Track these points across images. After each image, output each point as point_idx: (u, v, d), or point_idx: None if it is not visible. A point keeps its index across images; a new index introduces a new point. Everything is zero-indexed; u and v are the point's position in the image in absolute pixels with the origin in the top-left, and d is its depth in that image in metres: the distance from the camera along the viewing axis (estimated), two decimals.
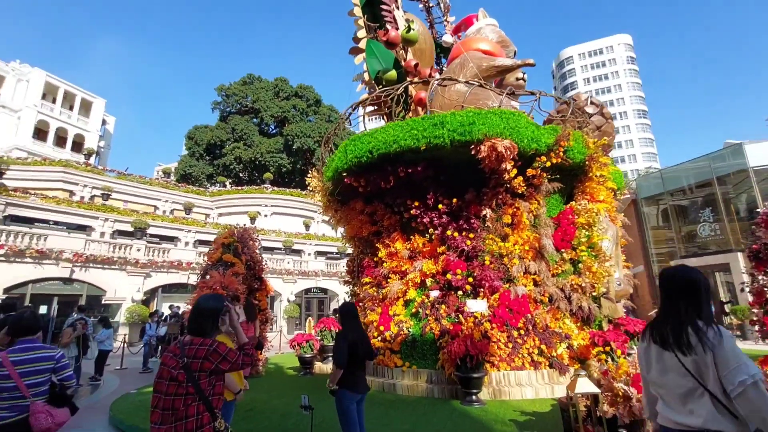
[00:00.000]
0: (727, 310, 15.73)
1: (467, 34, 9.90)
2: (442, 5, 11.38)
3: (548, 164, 6.93)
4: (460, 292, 7.13)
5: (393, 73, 8.00)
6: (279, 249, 33.38)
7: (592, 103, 8.78)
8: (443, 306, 7.12)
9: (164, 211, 32.79)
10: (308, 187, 8.88)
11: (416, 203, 7.31)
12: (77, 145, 41.75)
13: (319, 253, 35.18)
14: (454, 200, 7.17)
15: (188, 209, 32.41)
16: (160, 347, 12.04)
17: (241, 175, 43.23)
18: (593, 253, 7.09)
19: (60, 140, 40.84)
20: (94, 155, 35.46)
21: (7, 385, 2.67)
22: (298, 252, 32.54)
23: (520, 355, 6.49)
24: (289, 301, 27.51)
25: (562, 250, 7.23)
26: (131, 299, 20.43)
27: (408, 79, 7.71)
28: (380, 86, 8.30)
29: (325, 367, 9.03)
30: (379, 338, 7.58)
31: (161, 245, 23.54)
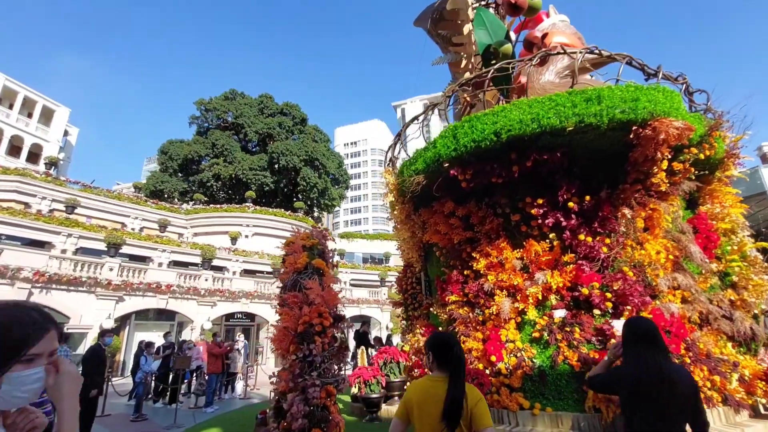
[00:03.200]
0: None
1: (541, 29, 9.01)
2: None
3: (701, 156, 5.88)
4: (596, 311, 5.75)
5: (509, 47, 6.83)
6: (261, 272, 30.87)
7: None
8: (577, 328, 5.70)
9: (133, 229, 29.53)
10: (383, 188, 7.31)
11: (539, 201, 5.98)
12: (33, 156, 37.73)
13: None
14: (587, 198, 5.92)
15: (163, 227, 29.42)
16: (160, 387, 9.68)
17: (217, 193, 40.48)
18: (745, 264, 6.01)
19: (14, 149, 36.74)
20: (53, 166, 31.87)
21: None
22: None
23: None
24: None
25: (707, 261, 6.09)
26: (99, 327, 17.36)
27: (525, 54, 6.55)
28: (477, 64, 7.11)
29: (393, 409, 7.21)
30: (488, 371, 6.01)
31: (137, 264, 20.64)
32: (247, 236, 33.51)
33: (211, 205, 35.28)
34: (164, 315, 21.10)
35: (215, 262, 26.21)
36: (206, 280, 22.72)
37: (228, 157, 39.28)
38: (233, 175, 38.40)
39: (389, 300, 32.77)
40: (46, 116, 39.88)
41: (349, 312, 28.69)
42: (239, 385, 12.51)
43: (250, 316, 25.37)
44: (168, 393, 10.61)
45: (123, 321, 19.33)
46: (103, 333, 7.09)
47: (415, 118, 7.35)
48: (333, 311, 4.26)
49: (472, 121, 5.79)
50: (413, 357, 7.60)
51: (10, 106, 36.97)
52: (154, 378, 9.76)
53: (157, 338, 16.32)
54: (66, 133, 43.97)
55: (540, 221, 6.14)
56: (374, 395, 7.08)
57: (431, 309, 7.73)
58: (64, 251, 20.58)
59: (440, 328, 7.38)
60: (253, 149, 43.18)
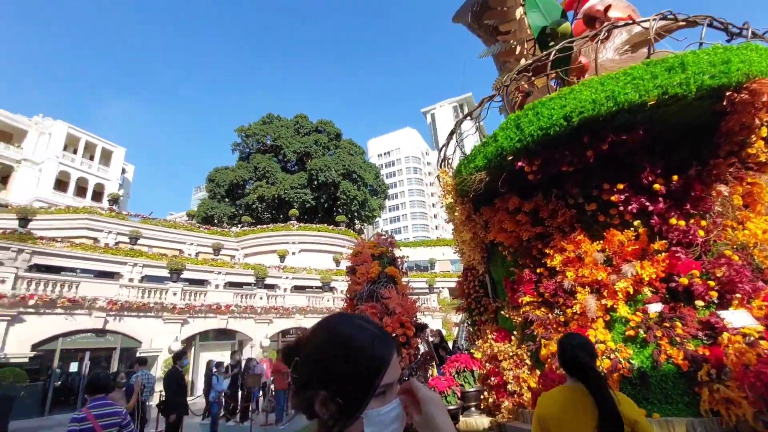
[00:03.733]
0: None
1: (591, 6, 8.47)
2: None
3: None
4: (699, 302, 5.14)
5: (567, 25, 6.44)
6: (311, 287, 31.35)
7: None
8: (678, 323, 5.10)
9: (189, 254, 31.09)
10: (439, 187, 7.06)
11: (619, 186, 5.48)
12: (97, 195, 40.91)
13: None
14: (674, 177, 5.36)
15: (217, 250, 30.73)
16: (231, 405, 9.86)
17: (263, 214, 41.87)
18: None
19: (80, 190, 40.04)
20: (115, 202, 34.34)
21: None
22: (331, 289, 30.32)
23: None
24: None
25: None
26: (168, 350, 18.20)
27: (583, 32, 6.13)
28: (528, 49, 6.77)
29: (472, 421, 6.83)
30: None
31: (198, 288, 21.57)
32: (294, 253, 34.29)
33: (258, 226, 36.54)
34: (225, 335, 21.83)
35: (267, 281, 26.93)
36: (261, 298, 23.34)
37: (270, 179, 40.63)
38: (276, 196, 39.61)
39: (440, 307, 32.18)
40: (105, 157, 43.27)
41: None
42: None
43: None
44: (239, 411, 10.79)
45: (188, 342, 20.18)
46: (179, 355, 7.29)
47: (469, 114, 7.07)
48: (413, 320, 4.04)
49: (537, 107, 5.44)
50: (487, 365, 7.21)
51: (74, 151, 40.47)
52: (225, 397, 9.97)
53: (220, 357, 16.88)
54: (123, 171, 47.47)
55: (621, 208, 5.62)
56: (451, 407, 6.74)
57: (502, 312, 7.31)
58: (131, 280, 21.94)
59: (514, 332, 6.94)
60: (293, 168, 44.43)
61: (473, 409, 7.16)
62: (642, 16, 7.04)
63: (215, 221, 40.68)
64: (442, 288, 37.56)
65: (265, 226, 36.24)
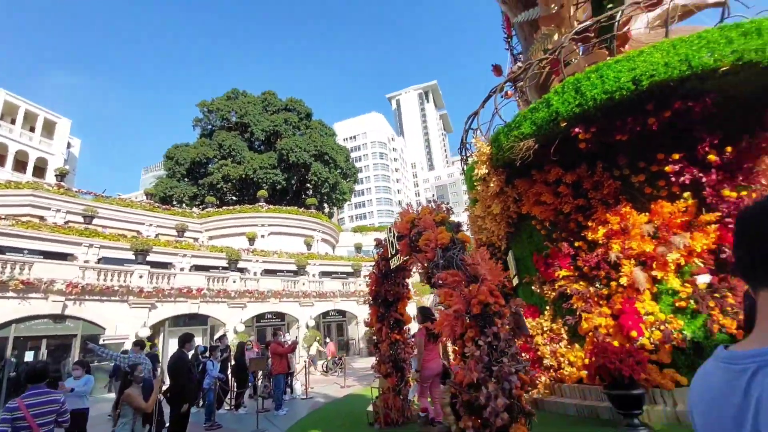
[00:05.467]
0: None
1: None
2: None
3: None
4: None
5: None
6: (282, 271, 30.32)
7: None
8: (729, 293, 5.14)
9: (148, 236, 28.83)
10: (464, 158, 6.68)
11: (675, 156, 5.38)
12: (39, 170, 36.90)
13: (324, 273, 32.29)
14: (728, 149, 5.33)
15: (181, 231, 28.79)
16: (229, 394, 9.15)
17: (228, 195, 39.78)
18: None
19: (19, 164, 35.90)
20: (63, 178, 31.08)
21: (23, 426, 3.20)
22: (305, 273, 29.45)
23: None
24: (308, 326, 24.36)
25: None
26: (135, 336, 16.79)
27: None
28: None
29: None
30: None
31: (165, 271, 20.04)
32: (263, 236, 32.91)
33: (224, 208, 34.64)
34: (197, 320, 20.54)
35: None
36: (234, 282, 22.15)
37: (236, 158, 38.51)
38: (243, 176, 37.65)
39: (414, 290, 32.29)
40: (48, 129, 38.94)
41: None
42: (297, 385, 11.99)
43: (280, 316, 24.83)
44: (233, 398, 10.09)
45: (156, 328, 18.78)
46: (186, 338, 6.48)
47: (503, 84, 6.68)
48: (501, 288, 3.69)
49: (601, 70, 5.17)
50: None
51: (12, 121, 36.02)
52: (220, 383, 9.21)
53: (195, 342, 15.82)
54: (69, 146, 43.11)
55: (673, 179, 5.54)
56: None
57: (532, 287, 7.14)
58: (87, 261, 19.95)
59: (547, 307, 6.82)
60: (260, 148, 42.38)
61: None
62: None
63: (174, 202, 38.09)
64: (414, 272, 37.75)
65: (231, 207, 34.41)
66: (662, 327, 5.32)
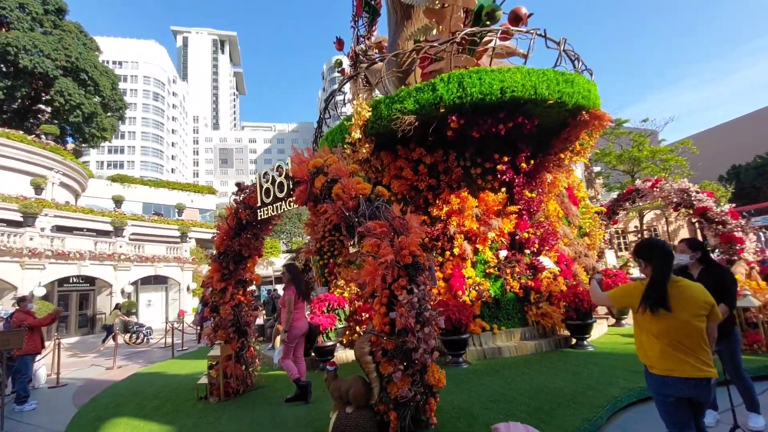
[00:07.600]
0: None
1: (519, 7, 9.81)
2: None
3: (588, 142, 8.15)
4: (527, 251, 7.33)
5: (500, 13, 7.12)
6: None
7: None
8: (516, 265, 7.13)
9: None
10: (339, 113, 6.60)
11: (506, 159, 6.91)
12: None
13: (62, 228, 24.80)
14: (532, 162, 7.27)
15: None
16: None
17: None
18: (591, 220, 8.88)
19: None
20: None
21: None
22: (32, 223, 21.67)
23: None
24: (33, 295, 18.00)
25: (578, 215, 8.66)
26: None
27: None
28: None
29: (342, 356, 6.99)
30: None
31: None
32: None
33: None
34: None
35: None
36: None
37: None
38: None
39: (192, 258, 28.75)
40: None
41: (143, 272, 23.66)
42: (42, 370, 8.80)
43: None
44: None
45: None
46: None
47: (375, 61, 6.94)
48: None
49: (480, 73, 6.13)
50: (355, 302, 7.52)
51: None
52: None
53: None
54: None
55: (499, 176, 7.17)
56: (329, 343, 6.65)
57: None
58: None
59: None
60: None
61: (338, 345, 7.32)
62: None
63: None
64: (191, 238, 33.54)
65: None
66: (477, 288, 6.86)
